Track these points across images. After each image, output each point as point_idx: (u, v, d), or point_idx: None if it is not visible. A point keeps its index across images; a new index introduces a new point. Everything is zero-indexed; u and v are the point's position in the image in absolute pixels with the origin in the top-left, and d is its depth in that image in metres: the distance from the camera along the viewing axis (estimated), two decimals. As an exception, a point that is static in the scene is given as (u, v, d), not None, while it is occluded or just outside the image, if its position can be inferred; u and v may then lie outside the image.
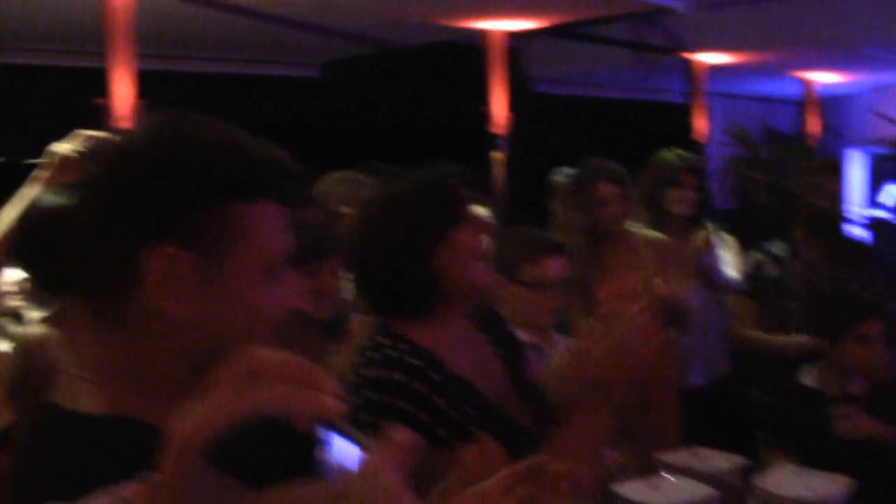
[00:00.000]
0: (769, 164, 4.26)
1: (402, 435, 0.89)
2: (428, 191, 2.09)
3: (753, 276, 3.95)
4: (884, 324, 3.11)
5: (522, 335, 2.69)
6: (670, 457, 2.87)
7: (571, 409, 2.02)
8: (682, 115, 7.80)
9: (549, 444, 1.99)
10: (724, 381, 4.22)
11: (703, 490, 2.61)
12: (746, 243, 4.27)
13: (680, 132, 7.34)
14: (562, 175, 4.03)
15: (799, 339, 3.62)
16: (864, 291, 3.22)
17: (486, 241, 2.13)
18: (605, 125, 8.27)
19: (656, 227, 4.07)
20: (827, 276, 3.61)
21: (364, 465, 0.85)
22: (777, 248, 4.00)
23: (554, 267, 2.86)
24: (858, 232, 4.69)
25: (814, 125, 8.80)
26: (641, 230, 3.99)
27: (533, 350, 2.69)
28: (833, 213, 3.91)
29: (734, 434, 3.15)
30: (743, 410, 3.32)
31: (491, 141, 6.44)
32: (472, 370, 2.07)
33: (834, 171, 4.28)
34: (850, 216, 4.26)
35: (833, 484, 2.62)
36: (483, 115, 6.45)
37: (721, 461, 2.87)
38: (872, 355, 3.10)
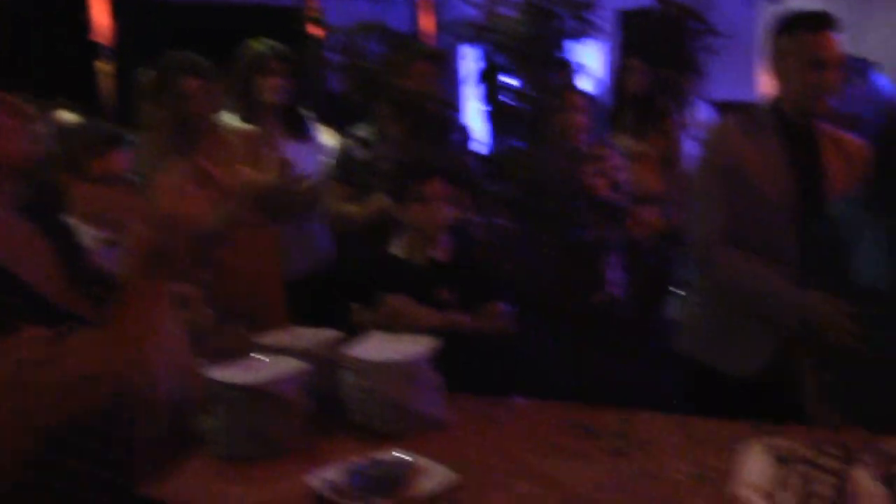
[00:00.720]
0: (353, 49, 4.29)
1: None
2: None
3: (343, 161, 3.98)
4: (447, 185, 3.21)
5: (95, 230, 2.58)
6: (265, 338, 2.88)
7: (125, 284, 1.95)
8: (296, 17, 7.71)
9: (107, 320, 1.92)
10: (328, 267, 4.26)
11: (294, 365, 2.63)
12: (338, 129, 4.30)
13: (294, 34, 7.26)
14: (146, 73, 3.87)
15: (379, 203, 3.70)
16: (438, 159, 3.32)
17: (23, 119, 2.00)
18: (217, 30, 8.04)
19: (250, 119, 4.01)
20: (408, 150, 3.69)
21: None
22: (364, 131, 4.04)
23: (121, 159, 2.74)
24: (474, 123, 4.86)
25: (427, 23, 9.00)
26: (232, 122, 3.92)
27: (106, 244, 2.58)
28: (416, 93, 3.98)
29: (341, 316, 3.19)
30: (345, 291, 3.36)
31: (96, 51, 6.13)
32: (17, 261, 1.96)
33: (423, 56, 4.36)
34: (448, 100, 4.36)
35: (418, 345, 2.72)
36: (86, 25, 6.12)
37: (314, 337, 2.91)
38: (433, 214, 3.20)
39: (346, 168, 3.95)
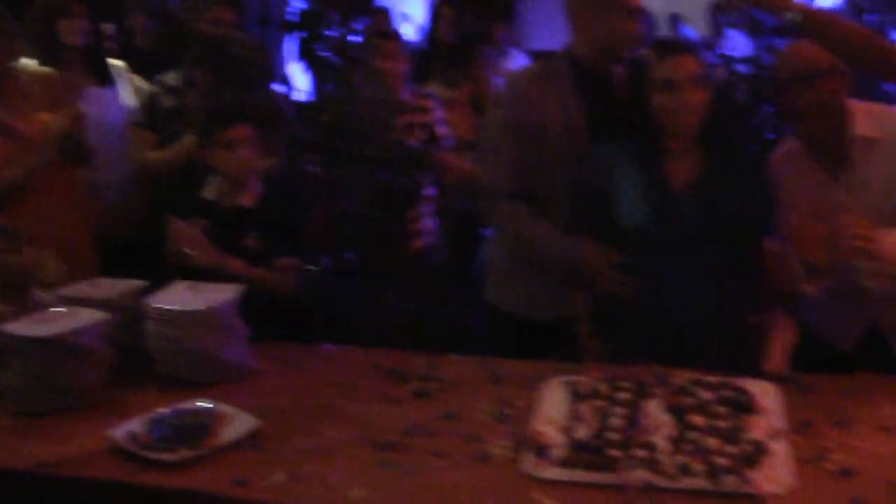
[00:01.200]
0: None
1: None
2: None
3: (149, 108, 3.86)
4: (254, 131, 3.18)
5: None
6: (68, 290, 2.80)
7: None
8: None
9: None
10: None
11: (93, 315, 2.56)
12: (146, 76, 4.16)
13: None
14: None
15: (184, 146, 3.64)
16: (244, 105, 3.27)
17: None
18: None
19: (50, 63, 3.84)
20: (217, 96, 3.61)
21: None
22: (171, 78, 3.93)
23: None
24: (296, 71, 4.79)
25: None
26: (31, 67, 3.74)
27: None
28: (219, 37, 3.87)
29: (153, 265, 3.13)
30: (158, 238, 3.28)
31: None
32: None
33: (222, 1, 4.25)
34: (255, 44, 4.25)
35: (222, 293, 2.69)
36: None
37: (117, 287, 2.84)
38: (239, 160, 3.18)
39: (152, 114, 3.83)
